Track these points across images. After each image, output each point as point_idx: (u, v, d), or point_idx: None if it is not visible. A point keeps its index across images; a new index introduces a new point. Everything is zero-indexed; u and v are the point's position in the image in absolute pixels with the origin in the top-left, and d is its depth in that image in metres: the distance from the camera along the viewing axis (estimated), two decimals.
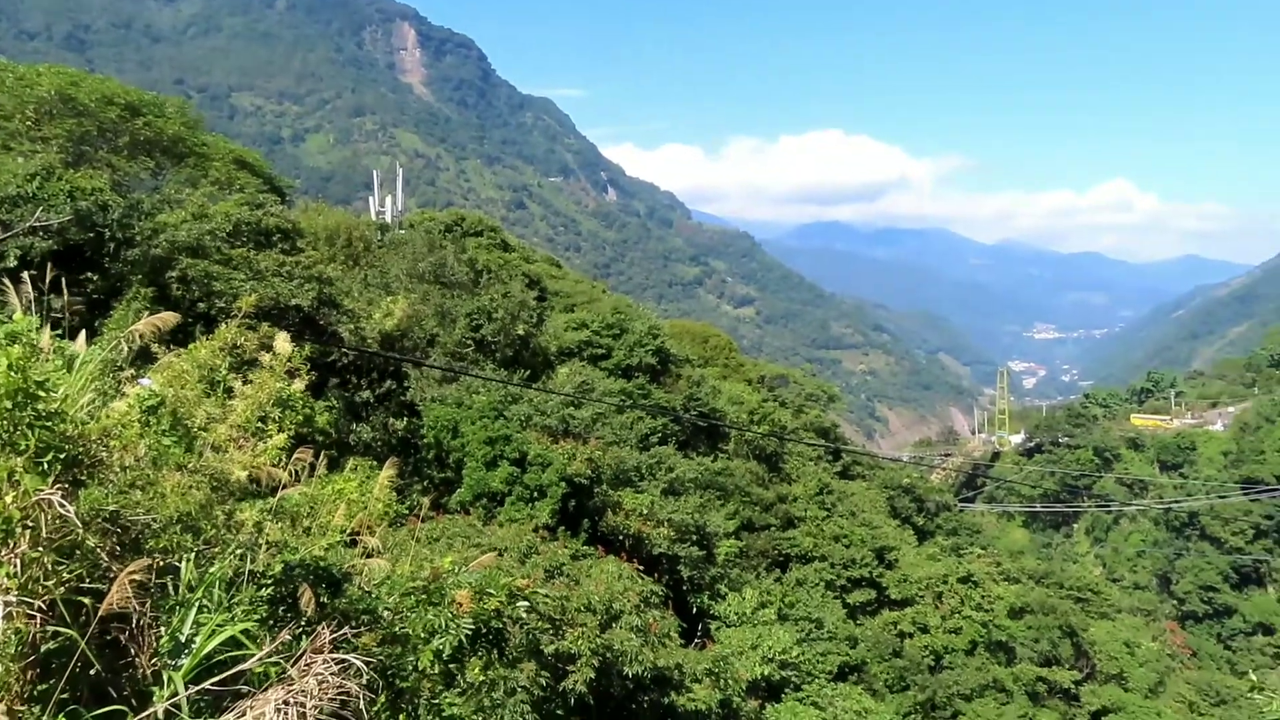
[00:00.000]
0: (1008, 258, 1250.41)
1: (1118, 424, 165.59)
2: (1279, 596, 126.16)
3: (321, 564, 8.15)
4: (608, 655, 18.05)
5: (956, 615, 46.89)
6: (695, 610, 30.76)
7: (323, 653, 5.24)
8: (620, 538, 27.38)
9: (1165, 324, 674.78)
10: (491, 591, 9.39)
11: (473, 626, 8.90)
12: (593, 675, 17.53)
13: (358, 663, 5.26)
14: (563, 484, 25.67)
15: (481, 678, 9.73)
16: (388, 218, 57.48)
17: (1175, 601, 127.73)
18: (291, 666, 5.25)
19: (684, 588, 30.62)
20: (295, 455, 9.80)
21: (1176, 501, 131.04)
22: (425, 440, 27.45)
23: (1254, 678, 10.74)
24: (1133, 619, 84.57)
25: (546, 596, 12.79)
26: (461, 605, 8.92)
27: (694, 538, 30.92)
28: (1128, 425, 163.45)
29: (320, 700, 4.82)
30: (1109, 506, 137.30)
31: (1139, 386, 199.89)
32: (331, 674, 5.03)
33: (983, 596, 48.55)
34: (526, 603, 9.90)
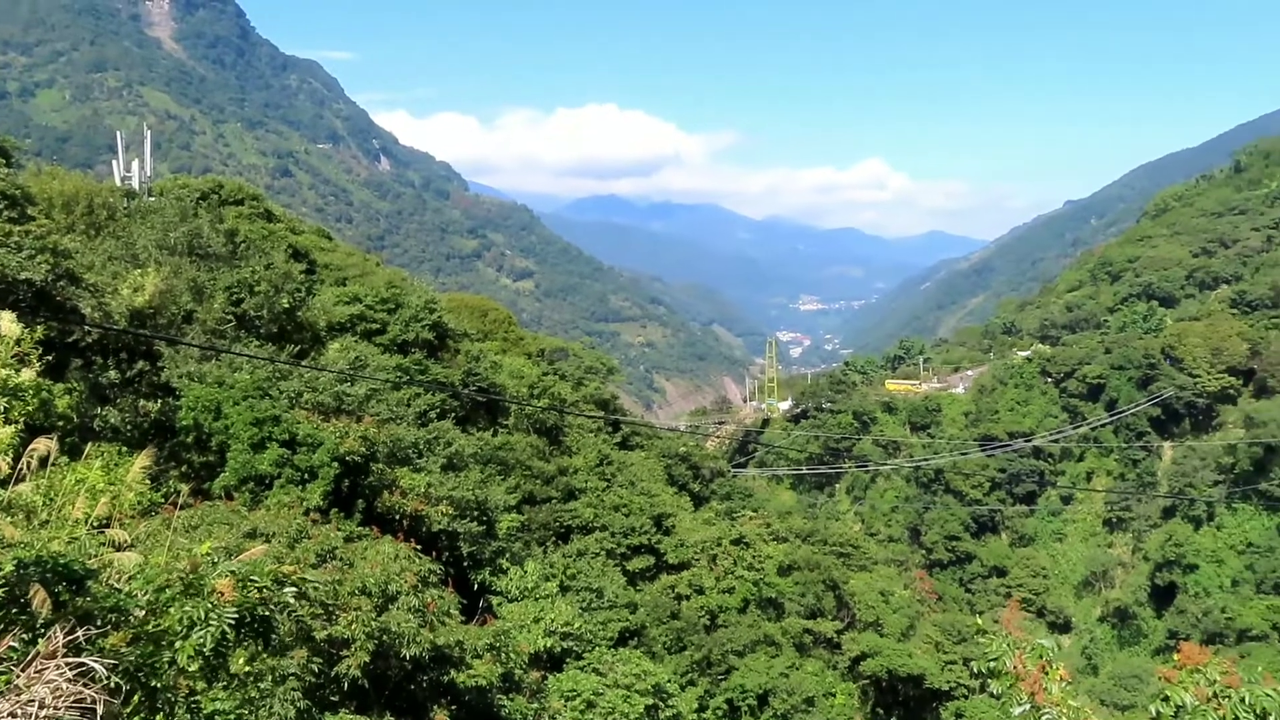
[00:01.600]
0: (775, 233, 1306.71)
1: (874, 389, 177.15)
2: (1010, 542, 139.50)
3: (60, 561, 7.49)
4: (384, 638, 17.67)
5: (730, 576, 48.99)
6: (476, 587, 30.59)
7: (56, 657, 4.80)
8: (397, 517, 26.75)
9: (915, 295, 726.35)
10: (255, 579, 8.95)
11: (236, 616, 8.46)
12: (368, 659, 17.12)
13: (98, 666, 4.85)
14: (335, 464, 24.79)
15: (247, 669, 9.29)
16: (135, 184, 53.20)
17: (924, 551, 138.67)
18: (21, 674, 4.78)
19: (465, 564, 30.34)
20: (31, 446, 8.99)
21: (925, 460, 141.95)
22: (183, 423, 25.74)
23: (979, 621, 11.83)
24: (887, 570, 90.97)
25: (315, 582, 12.33)
26: (223, 595, 8.46)
27: (474, 513, 30.66)
28: (883, 390, 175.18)
29: (55, 709, 4.41)
30: (867, 466, 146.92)
31: (892, 354, 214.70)
32: (68, 680, 4.61)
33: (754, 556, 50.93)
34: (294, 588, 9.50)
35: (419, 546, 23.06)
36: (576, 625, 30.67)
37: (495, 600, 30.60)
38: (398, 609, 18.49)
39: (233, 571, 8.78)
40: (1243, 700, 8.59)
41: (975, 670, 10.39)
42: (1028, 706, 9.43)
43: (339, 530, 22.47)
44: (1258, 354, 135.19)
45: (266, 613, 8.98)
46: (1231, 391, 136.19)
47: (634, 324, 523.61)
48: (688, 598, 47.53)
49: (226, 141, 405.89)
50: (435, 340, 46.95)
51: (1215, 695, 8.86)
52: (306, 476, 24.42)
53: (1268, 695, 8.56)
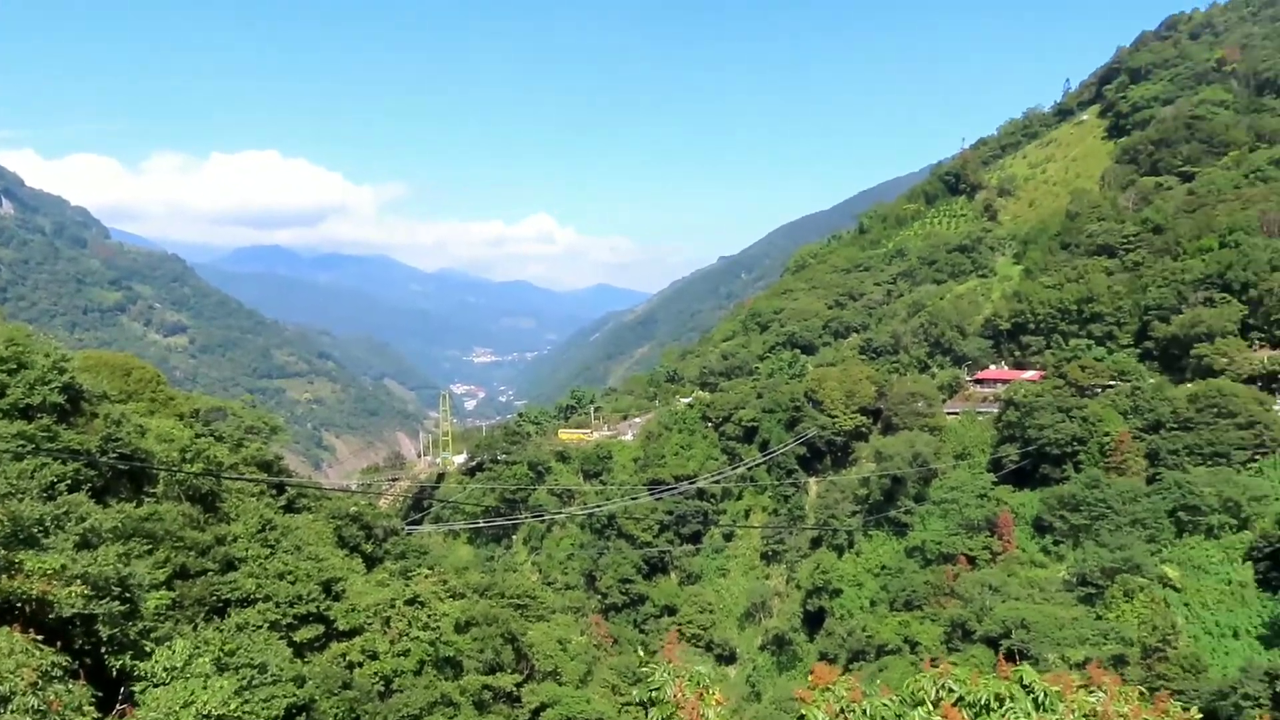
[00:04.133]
0: (447, 285, 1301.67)
1: (548, 439, 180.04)
2: (679, 580, 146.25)
3: None
4: None
5: (405, 638, 47.42)
6: (115, 674, 27.43)
7: None
8: (19, 605, 23.49)
9: (585, 346, 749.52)
10: None
11: None
12: None
13: None
14: None
15: None
16: None
17: (600, 596, 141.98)
18: None
19: (103, 650, 27.15)
20: None
21: (598, 506, 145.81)
22: None
23: (641, 654, 12.29)
24: (565, 618, 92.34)
25: None
26: None
27: (115, 592, 27.58)
28: (557, 440, 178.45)
29: None
30: (543, 516, 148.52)
31: (565, 404, 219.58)
32: None
33: (429, 616, 49.66)
34: None
35: (42, 637, 20.35)
36: (234, 706, 28.26)
37: (139, 686, 27.59)
38: (11, 712, 16.17)
39: None
40: (864, 712, 9.55)
41: (638, 699, 10.72)
42: None
43: None
44: (883, 395, 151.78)
45: None
46: (864, 429, 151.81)
47: (301, 380, 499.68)
48: (360, 665, 45.43)
49: None
50: (67, 404, 42.08)
51: (843, 711, 9.77)
52: None
53: (884, 704, 9.60)
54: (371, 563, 66.26)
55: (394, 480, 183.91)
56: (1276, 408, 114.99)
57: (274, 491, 61.43)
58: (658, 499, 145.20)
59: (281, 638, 42.19)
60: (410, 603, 49.37)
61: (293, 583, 44.65)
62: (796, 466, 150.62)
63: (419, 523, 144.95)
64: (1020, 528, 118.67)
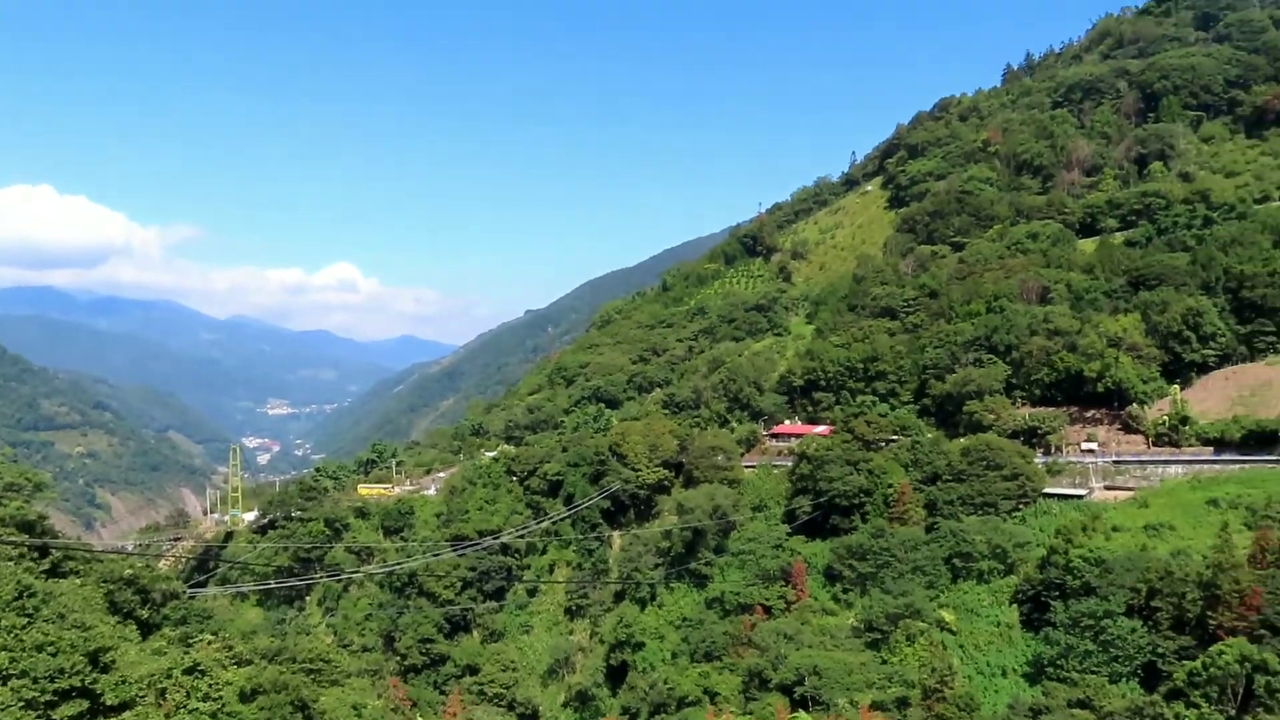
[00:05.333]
0: (241, 333, 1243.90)
1: (347, 494, 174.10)
2: (482, 639, 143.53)
3: None
4: None
5: (182, 710, 44.47)
6: None
7: None
8: None
9: (388, 398, 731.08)
10: None
11: None
12: None
13: None
14: None
15: None
16: None
17: (399, 657, 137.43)
18: None
19: None
20: None
21: (399, 563, 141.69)
22: None
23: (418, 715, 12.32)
24: (361, 681, 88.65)
25: None
26: None
27: None
28: (356, 495, 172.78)
29: None
30: (339, 575, 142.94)
31: (365, 458, 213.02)
32: None
33: (210, 685, 46.80)
34: None
35: None
36: None
37: None
38: None
39: None
40: None
41: None
42: None
43: None
44: (685, 448, 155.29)
45: None
46: (666, 482, 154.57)
47: (73, 432, 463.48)
48: None
49: None
50: None
51: None
52: None
53: None
54: (147, 630, 61.90)
55: (176, 540, 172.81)
56: (1037, 460, 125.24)
57: (36, 554, 56.63)
58: (461, 555, 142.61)
59: (39, 716, 38.88)
60: (189, 671, 46.42)
61: (54, 655, 41.24)
62: (601, 520, 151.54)
63: (203, 585, 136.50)
64: (813, 577, 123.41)
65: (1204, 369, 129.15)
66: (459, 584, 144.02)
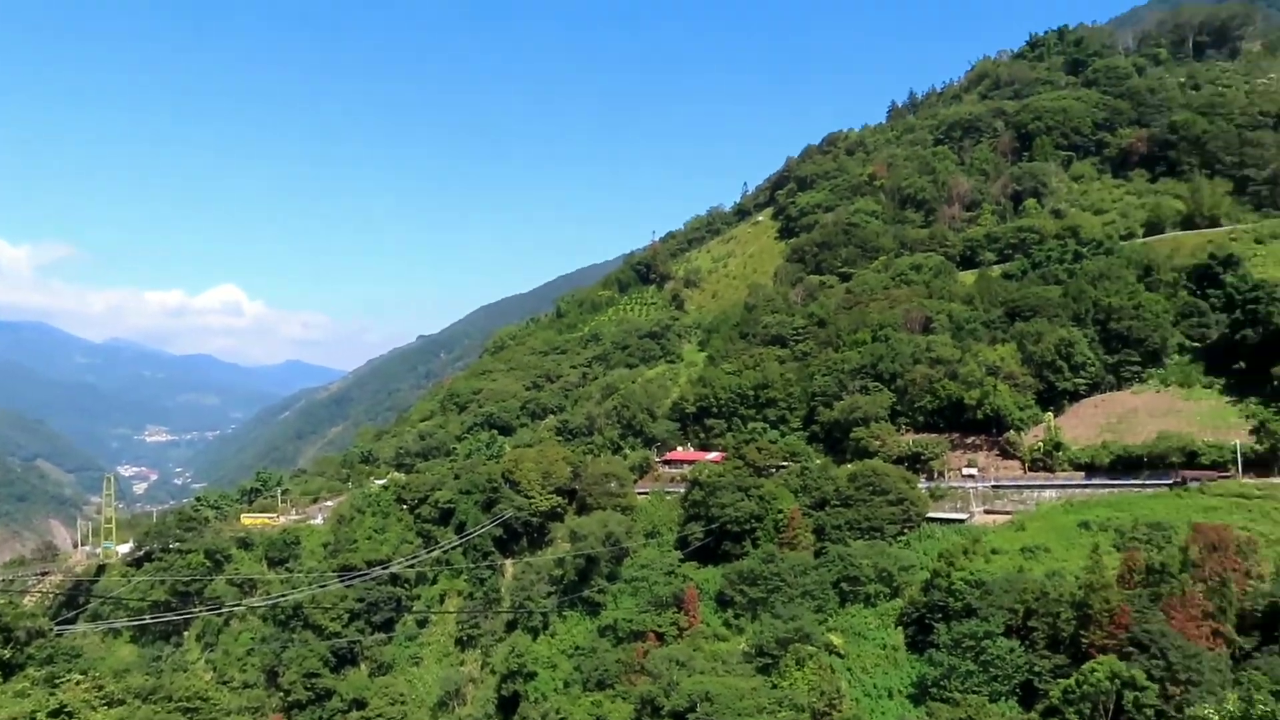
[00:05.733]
0: (118, 357, 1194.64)
1: (229, 524, 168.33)
2: (370, 672, 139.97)
3: None
4: None
5: None
6: None
7: None
8: None
9: (274, 425, 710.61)
10: None
11: None
12: None
13: None
14: None
15: None
16: None
17: (282, 693, 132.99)
18: None
19: None
20: None
21: (283, 595, 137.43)
22: None
23: None
24: (241, 718, 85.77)
25: None
26: None
27: None
28: (239, 525, 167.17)
29: None
30: (220, 609, 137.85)
31: (249, 486, 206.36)
32: None
33: None
34: None
35: None
36: None
37: None
38: None
39: None
40: None
41: None
42: None
43: None
44: (578, 475, 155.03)
45: None
46: (559, 510, 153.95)
47: None
48: None
49: None
50: None
51: None
52: None
53: None
54: (10, 670, 58.77)
55: (43, 574, 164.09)
56: (920, 486, 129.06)
57: None
58: (348, 586, 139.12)
59: None
60: (55, 714, 44.33)
61: None
62: (493, 548, 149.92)
63: (72, 622, 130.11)
64: (705, 603, 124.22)
65: (1075, 397, 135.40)
66: (346, 616, 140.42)
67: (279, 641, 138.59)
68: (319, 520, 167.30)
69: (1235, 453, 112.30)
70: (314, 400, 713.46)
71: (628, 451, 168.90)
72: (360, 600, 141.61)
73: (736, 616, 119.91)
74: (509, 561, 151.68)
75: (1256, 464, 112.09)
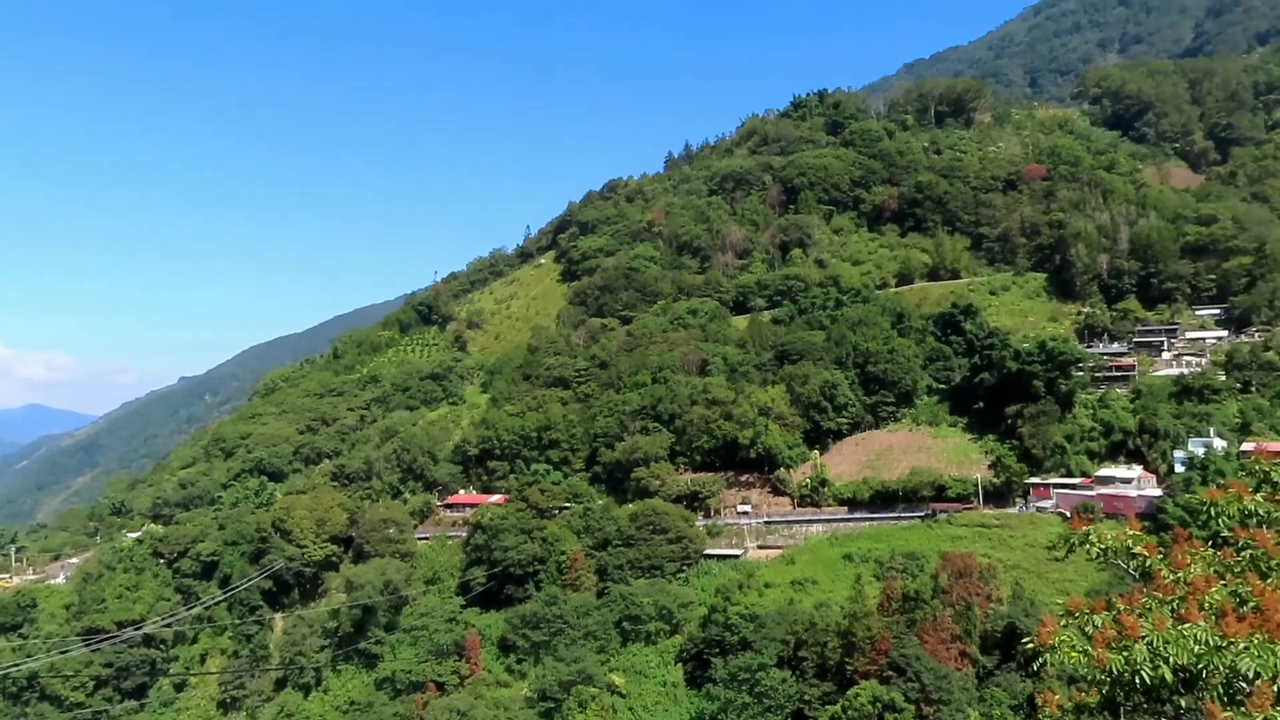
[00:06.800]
0: None
1: None
2: None
3: None
4: None
5: None
6: None
7: None
8: None
9: (10, 475, 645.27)
10: None
11: None
12: None
13: None
14: None
15: None
16: None
17: None
18: None
19: None
20: None
21: (15, 665, 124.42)
22: None
23: None
24: None
25: None
26: None
27: None
28: None
29: None
30: None
31: None
32: None
33: None
34: None
35: None
36: None
37: None
38: None
39: None
40: None
41: None
42: None
43: None
44: (355, 522, 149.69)
45: None
46: (335, 559, 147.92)
47: None
48: None
49: None
50: None
51: None
52: None
53: None
54: None
55: None
56: (698, 523, 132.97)
57: None
58: (95, 650, 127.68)
59: None
60: None
61: None
62: (261, 602, 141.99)
63: None
64: (487, 649, 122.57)
65: (839, 435, 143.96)
66: (92, 683, 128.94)
67: (10, 716, 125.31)
68: (61, 579, 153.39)
69: (977, 486, 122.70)
70: (57, 448, 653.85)
71: (408, 496, 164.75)
72: (109, 665, 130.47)
73: (519, 661, 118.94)
74: (279, 615, 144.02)
75: (995, 496, 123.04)
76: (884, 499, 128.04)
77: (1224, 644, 11.73)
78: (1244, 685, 11.55)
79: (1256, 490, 16.43)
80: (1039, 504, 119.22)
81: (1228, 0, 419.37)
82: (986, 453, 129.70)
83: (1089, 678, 13.00)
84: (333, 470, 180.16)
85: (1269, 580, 13.73)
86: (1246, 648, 11.52)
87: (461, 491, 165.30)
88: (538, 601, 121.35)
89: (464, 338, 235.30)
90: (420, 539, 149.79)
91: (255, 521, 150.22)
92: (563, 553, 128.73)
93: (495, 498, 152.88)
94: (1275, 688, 11.31)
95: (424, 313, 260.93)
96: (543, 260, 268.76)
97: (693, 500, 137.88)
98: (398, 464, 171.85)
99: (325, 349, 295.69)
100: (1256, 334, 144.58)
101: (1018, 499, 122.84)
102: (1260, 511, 15.78)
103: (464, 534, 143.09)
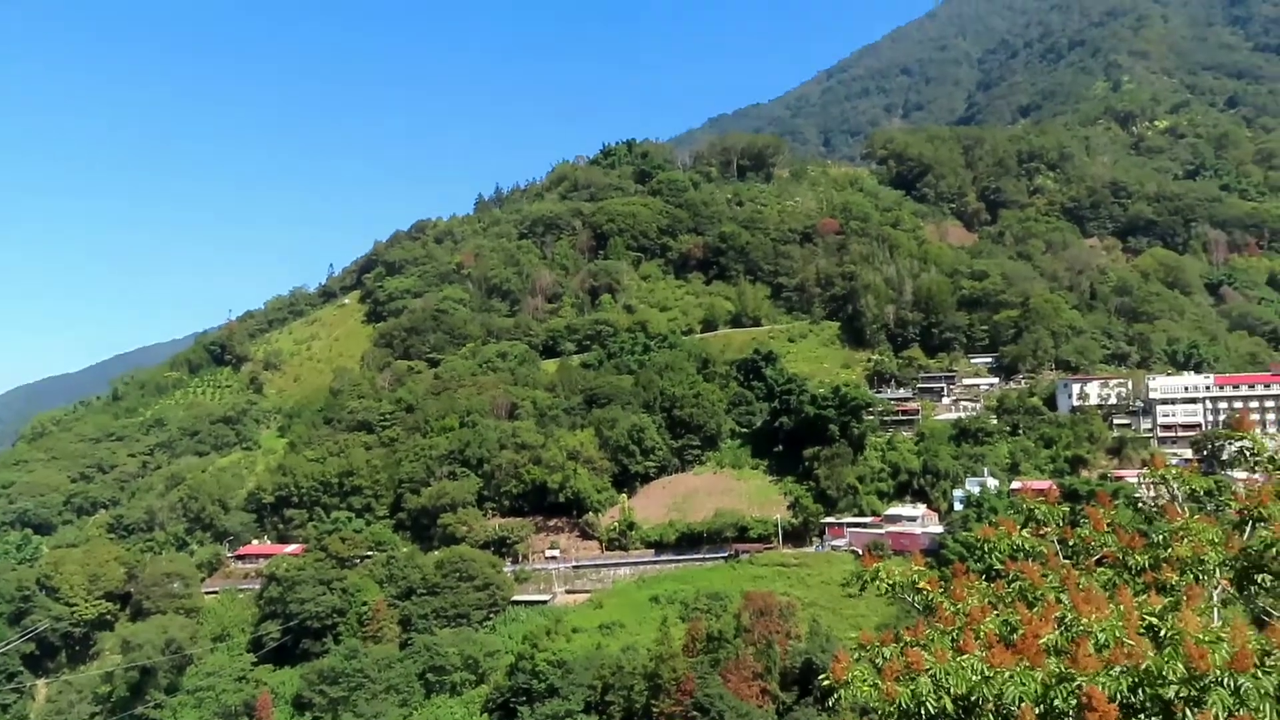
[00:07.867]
0: None
1: None
2: None
3: None
4: None
5: None
6: None
7: None
8: None
9: None
10: None
11: None
12: None
13: None
14: None
15: None
16: None
17: None
18: None
19: None
20: None
21: None
22: None
23: None
24: None
25: None
26: None
27: None
28: None
29: None
30: None
31: None
32: None
33: None
34: None
35: None
36: None
37: None
38: None
39: None
40: None
41: None
42: None
43: None
44: (134, 577, 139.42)
45: None
46: (109, 617, 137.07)
47: None
48: None
49: None
50: None
51: None
52: None
53: None
54: None
55: None
56: (506, 569, 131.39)
57: None
58: None
59: None
60: None
61: None
62: (22, 668, 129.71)
63: None
64: (280, 708, 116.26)
65: (646, 479, 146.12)
66: None
67: None
68: None
69: (777, 526, 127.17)
70: None
71: (195, 547, 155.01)
72: None
73: (316, 719, 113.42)
74: (42, 682, 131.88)
75: (794, 535, 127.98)
76: (690, 541, 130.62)
77: (991, 674, 12.72)
78: (1014, 710, 12.50)
79: (1024, 526, 18.04)
80: (834, 542, 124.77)
81: (995, 75, 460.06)
82: (786, 494, 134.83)
83: (880, 711, 13.73)
84: (110, 521, 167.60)
85: (1034, 609, 14.96)
86: (1011, 675, 12.53)
87: (255, 541, 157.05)
88: (336, 655, 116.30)
89: (260, 379, 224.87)
90: (208, 593, 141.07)
91: (17, 579, 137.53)
92: (364, 603, 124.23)
93: (292, 547, 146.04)
94: (1038, 710, 12.30)
95: (216, 352, 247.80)
96: (347, 300, 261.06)
97: (501, 546, 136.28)
98: (184, 513, 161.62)
99: (104, 390, 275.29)
100: (1023, 380, 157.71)
101: (814, 538, 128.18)
102: (1027, 546, 17.36)
103: (257, 586, 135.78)
